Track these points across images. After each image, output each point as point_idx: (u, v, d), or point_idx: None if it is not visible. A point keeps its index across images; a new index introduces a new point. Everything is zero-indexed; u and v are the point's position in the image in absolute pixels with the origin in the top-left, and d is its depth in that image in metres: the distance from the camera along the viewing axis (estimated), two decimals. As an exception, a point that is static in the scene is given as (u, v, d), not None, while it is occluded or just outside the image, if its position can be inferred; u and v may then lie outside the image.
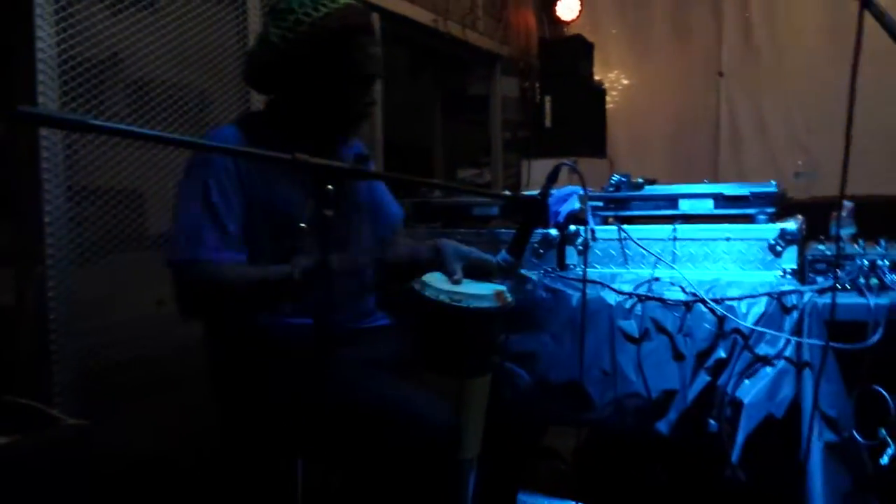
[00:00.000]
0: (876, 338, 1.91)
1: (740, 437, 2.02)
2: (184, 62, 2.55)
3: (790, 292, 2.09)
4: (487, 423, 1.83)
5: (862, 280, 2.07)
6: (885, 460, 1.94)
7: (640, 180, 2.60)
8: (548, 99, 5.46)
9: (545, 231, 2.50)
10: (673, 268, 2.34)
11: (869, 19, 1.38)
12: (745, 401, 2.02)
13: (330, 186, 1.38)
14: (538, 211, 1.89)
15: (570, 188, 2.45)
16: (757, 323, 2.07)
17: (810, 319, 2.03)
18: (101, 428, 1.79)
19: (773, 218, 2.32)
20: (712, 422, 2.10)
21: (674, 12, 6.02)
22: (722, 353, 2.10)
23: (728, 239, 2.30)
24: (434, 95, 5.62)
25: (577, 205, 2.40)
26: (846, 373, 1.98)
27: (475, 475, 1.89)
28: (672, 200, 2.48)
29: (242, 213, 1.80)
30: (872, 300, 1.98)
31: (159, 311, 2.29)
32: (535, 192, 1.96)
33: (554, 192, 2.39)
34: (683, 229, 2.36)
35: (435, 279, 1.80)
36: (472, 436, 1.79)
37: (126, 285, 2.35)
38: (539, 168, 4.99)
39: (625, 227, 2.44)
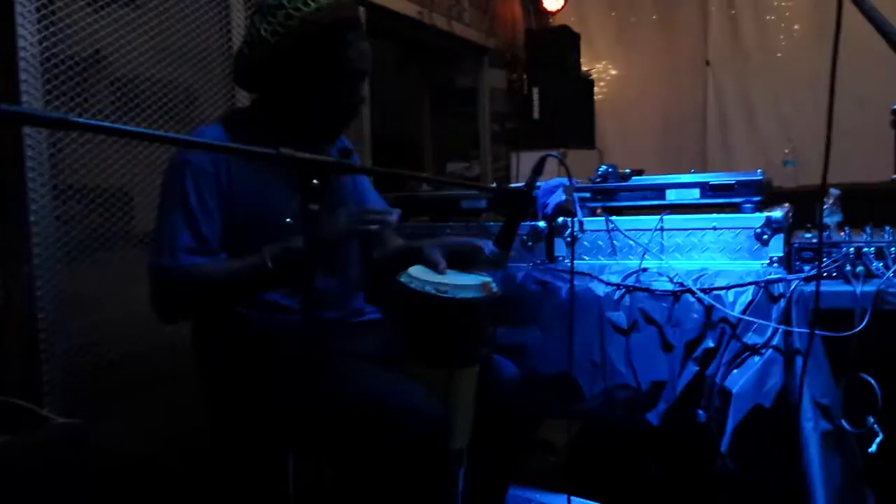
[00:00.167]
0: (862, 325, 1.93)
1: (729, 427, 2.03)
2: (168, 59, 2.54)
3: (776, 280, 2.10)
4: (477, 416, 1.83)
5: (848, 268, 2.08)
6: (873, 448, 1.95)
7: (628, 171, 2.60)
8: (535, 90, 5.47)
9: (534, 223, 2.50)
10: (661, 258, 2.35)
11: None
12: (734, 391, 2.03)
13: (315, 181, 1.38)
14: (525, 203, 1.89)
15: (557, 180, 2.46)
16: (744, 312, 2.07)
17: (797, 308, 2.04)
18: (90, 426, 1.79)
19: (760, 207, 2.33)
20: (701, 412, 2.11)
21: (660, 2, 6.03)
22: (710, 343, 2.11)
23: (715, 228, 2.31)
24: (421, 89, 5.62)
25: (564, 196, 2.41)
26: (833, 361, 1.99)
27: (466, 469, 1.90)
28: (659, 191, 2.49)
29: (221, 215, 1.80)
30: (858, 288, 1.99)
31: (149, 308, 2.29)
32: (522, 185, 1.96)
33: (542, 184, 2.39)
34: (670, 219, 2.37)
35: (421, 271, 1.80)
36: (461, 427, 1.79)
37: (114, 283, 2.34)
38: (528, 160, 4.98)
39: (612, 218, 2.45)
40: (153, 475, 2.28)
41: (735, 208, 2.36)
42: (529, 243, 2.53)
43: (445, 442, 1.74)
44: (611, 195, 2.56)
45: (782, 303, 2.07)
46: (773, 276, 2.12)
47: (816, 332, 1.95)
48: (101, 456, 1.84)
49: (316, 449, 1.84)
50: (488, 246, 1.91)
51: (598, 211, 2.59)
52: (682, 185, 2.46)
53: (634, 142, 6.10)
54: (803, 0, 5.47)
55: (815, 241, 2.13)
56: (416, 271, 1.80)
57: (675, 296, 2.17)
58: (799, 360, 1.99)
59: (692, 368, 2.13)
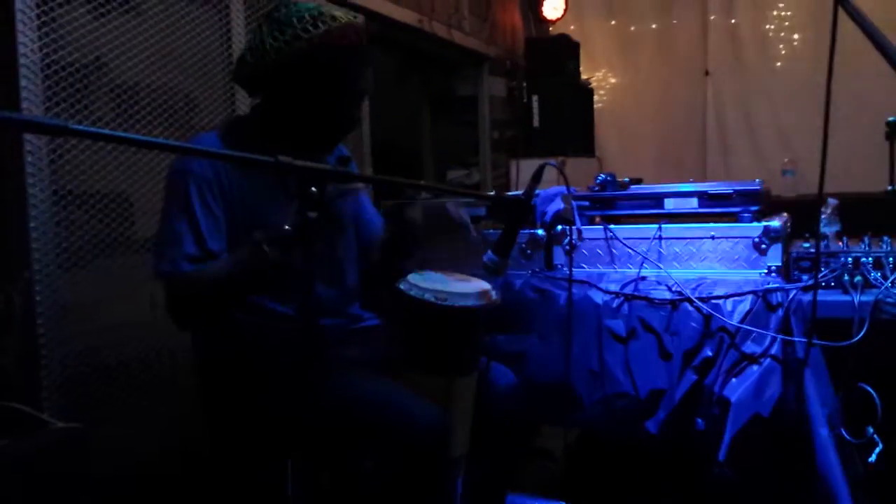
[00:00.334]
0: (860, 335, 1.93)
1: (727, 436, 2.02)
2: (168, 66, 2.54)
3: (775, 290, 2.10)
4: (476, 423, 1.83)
5: (846, 277, 2.08)
6: (872, 458, 1.95)
7: (626, 180, 2.61)
8: (535, 98, 5.47)
9: (532, 231, 2.51)
10: (659, 267, 2.35)
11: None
12: (732, 399, 2.03)
13: (313, 188, 1.39)
14: (523, 211, 1.90)
15: (556, 188, 2.46)
16: (743, 321, 2.08)
17: (795, 317, 2.05)
18: (90, 431, 1.79)
19: (759, 216, 2.34)
20: (700, 420, 2.11)
21: (659, 11, 6.04)
22: (709, 352, 2.11)
23: (713, 237, 2.31)
24: (421, 97, 5.63)
25: (563, 205, 2.41)
26: (832, 371, 1.99)
27: (464, 476, 1.90)
28: (657, 199, 2.49)
29: (224, 221, 1.80)
30: (856, 297, 2.00)
31: (152, 312, 2.28)
32: (521, 193, 1.96)
33: (541, 192, 2.39)
34: (669, 228, 2.37)
35: (420, 279, 1.81)
36: (459, 434, 1.79)
37: (114, 289, 2.34)
38: (527, 168, 4.99)
39: (611, 226, 2.45)
40: (152, 480, 2.28)
41: (733, 217, 2.37)
42: (528, 251, 2.53)
43: (444, 449, 1.74)
44: (609, 204, 2.57)
45: (780, 312, 2.07)
46: (771, 286, 2.12)
47: (814, 341, 1.95)
48: (101, 460, 1.84)
49: (315, 454, 1.84)
50: (487, 254, 1.92)
51: (597, 219, 2.59)
52: (681, 194, 2.47)
53: (634, 150, 6.11)
54: (803, 11, 5.48)
55: (813, 250, 2.14)
56: (416, 278, 1.80)
57: (674, 304, 2.17)
58: (807, 371, 1.99)
59: (691, 377, 2.13)
